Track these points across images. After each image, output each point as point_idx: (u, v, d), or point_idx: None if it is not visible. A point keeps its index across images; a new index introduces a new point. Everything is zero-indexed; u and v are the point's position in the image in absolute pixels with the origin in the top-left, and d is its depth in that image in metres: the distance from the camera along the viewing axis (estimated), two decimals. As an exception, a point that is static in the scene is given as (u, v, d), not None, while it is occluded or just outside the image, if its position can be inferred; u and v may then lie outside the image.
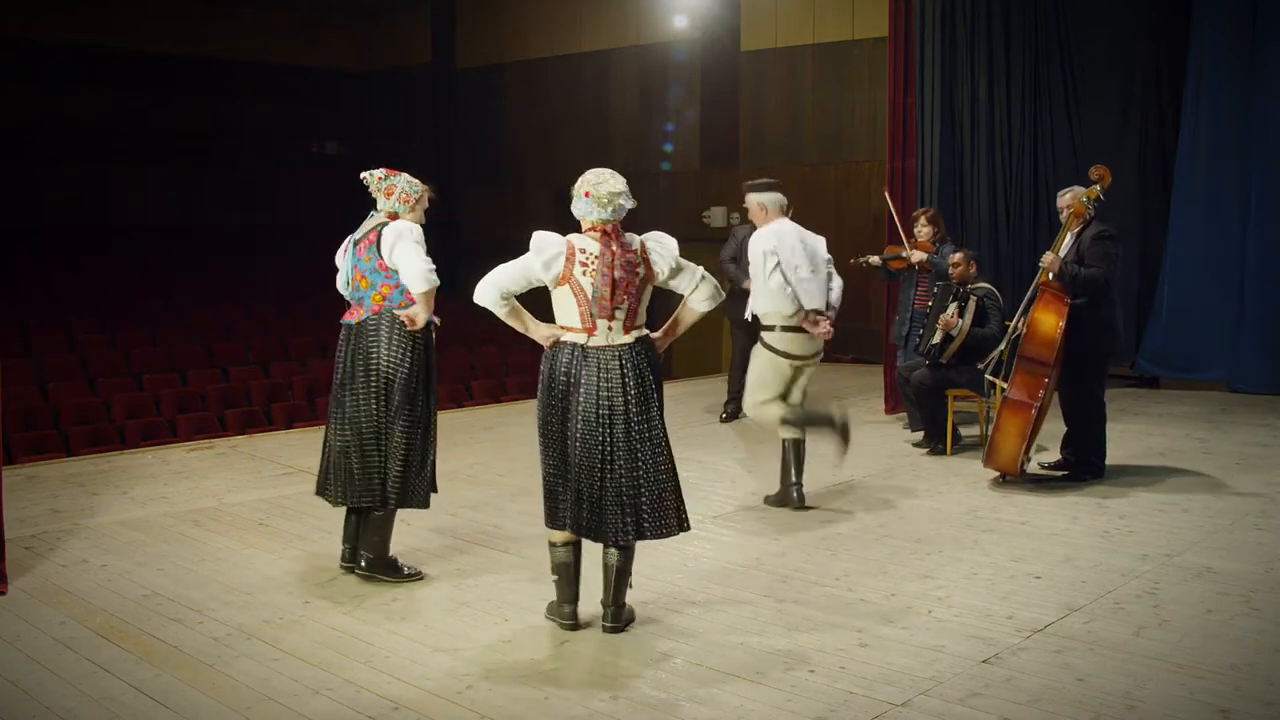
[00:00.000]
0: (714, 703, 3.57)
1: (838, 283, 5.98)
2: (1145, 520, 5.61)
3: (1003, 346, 6.59)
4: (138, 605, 4.49)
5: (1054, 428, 6.60)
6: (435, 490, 4.88)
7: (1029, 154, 9.98)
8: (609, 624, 4.20)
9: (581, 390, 4.05)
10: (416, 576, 4.81)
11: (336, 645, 4.08)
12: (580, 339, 4.08)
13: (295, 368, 11.95)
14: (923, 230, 7.85)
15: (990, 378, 6.64)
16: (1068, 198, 6.38)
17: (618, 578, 4.18)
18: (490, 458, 7.36)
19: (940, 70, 8.92)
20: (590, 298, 4.04)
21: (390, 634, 4.19)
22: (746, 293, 6.17)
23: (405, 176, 4.79)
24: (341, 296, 4.90)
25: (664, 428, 4.17)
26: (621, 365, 4.06)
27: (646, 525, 4.09)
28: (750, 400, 5.98)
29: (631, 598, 4.46)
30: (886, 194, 8.50)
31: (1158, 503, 5.93)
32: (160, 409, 10.50)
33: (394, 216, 4.73)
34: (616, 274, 4.03)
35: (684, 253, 4.28)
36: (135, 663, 3.91)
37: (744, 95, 13.83)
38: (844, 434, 5.87)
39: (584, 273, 4.04)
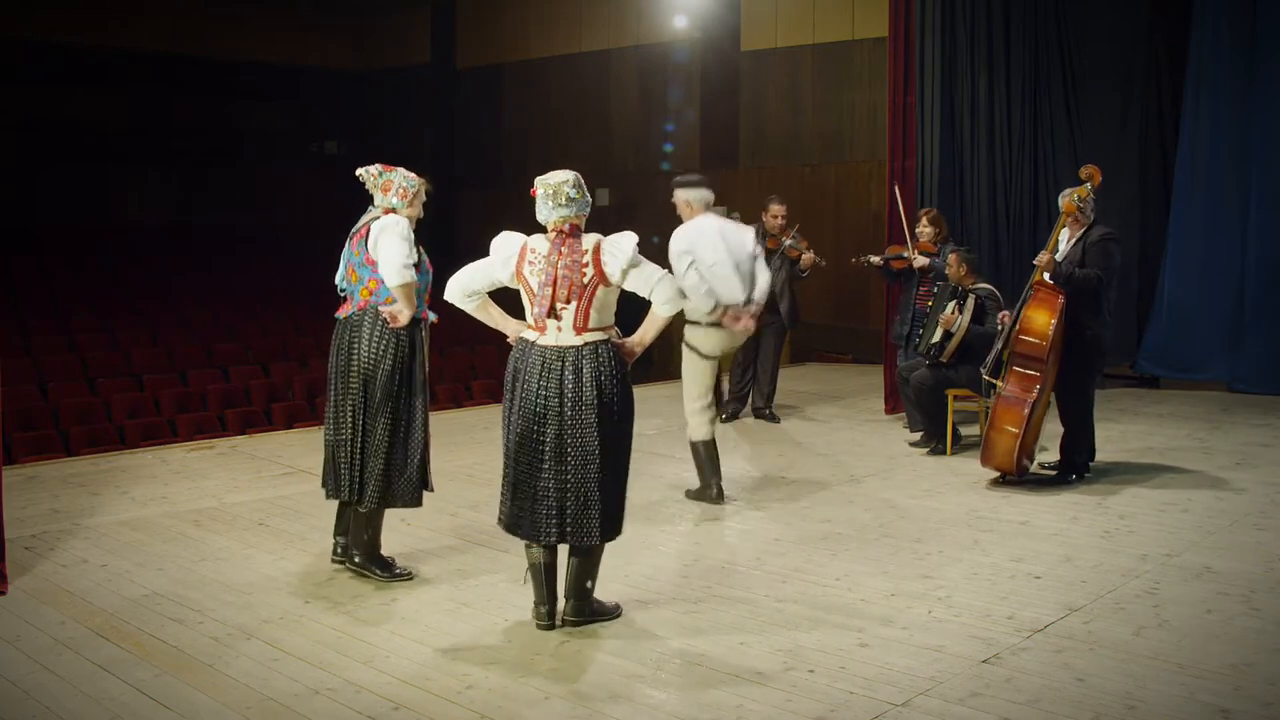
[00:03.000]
0: (714, 703, 3.57)
1: (764, 277, 6.02)
2: (1145, 520, 5.61)
3: (1000, 346, 6.59)
4: (138, 605, 4.49)
5: (1055, 427, 6.60)
6: (430, 489, 4.85)
7: (1029, 154, 9.98)
8: (567, 616, 4.22)
9: (522, 386, 4.11)
10: (406, 576, 4.81)
11: (336, 645, 4.08)
12: (533, 337, 4.15)
13: (295, 368, 11.95)
14: (924, 230, 7.89)
15: (988, 378, 6.64)
16: (1063, 201, 6.38)
17: (576, 570, 4.21)
18: (490, 458, 7.35)
19: (940, 70, 8.92)
20: (536, 296, 4.09)
21: (390, 634, 4.19)
22: None
23: (402, 171, 4.78)
24: (337, 292, 4.91)
25: (611, 434, 4.10)
26: (563, 366, 4.08)
27: (569, 529, 4.11)
28: (691, 406, 6.06)
29: (631, 597, 4.47)
30: (897, 189, 8.48)
31: (1158, 503, 5.93)
32: (160, 409, 10.50)
33: (390, 211, 4.72)
34: (560, 272, 4.05)
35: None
36: (135, 663, 3.91)
37: (744, 95, 13.83)
38: (702, 490, 6.14)
39: (531, 272, 4.11)
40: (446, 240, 16.65)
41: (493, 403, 10.89)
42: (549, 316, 4.08)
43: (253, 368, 11.81)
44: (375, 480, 4.65)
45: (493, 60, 17.00)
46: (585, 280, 4.07)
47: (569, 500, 4.08)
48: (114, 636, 4.15)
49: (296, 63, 17.81)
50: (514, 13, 16.61)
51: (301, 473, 6.83)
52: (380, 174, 4.76)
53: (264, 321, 13.57)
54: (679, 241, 5.82)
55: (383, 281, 4.62)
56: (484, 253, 4.27)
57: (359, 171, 4.81)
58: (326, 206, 16.19)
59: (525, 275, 4.12)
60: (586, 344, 4.10)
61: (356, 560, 4.80)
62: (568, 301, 4.06)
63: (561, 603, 4.27)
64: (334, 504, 4.95)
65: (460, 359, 12.93)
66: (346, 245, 4.79)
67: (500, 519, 4.24)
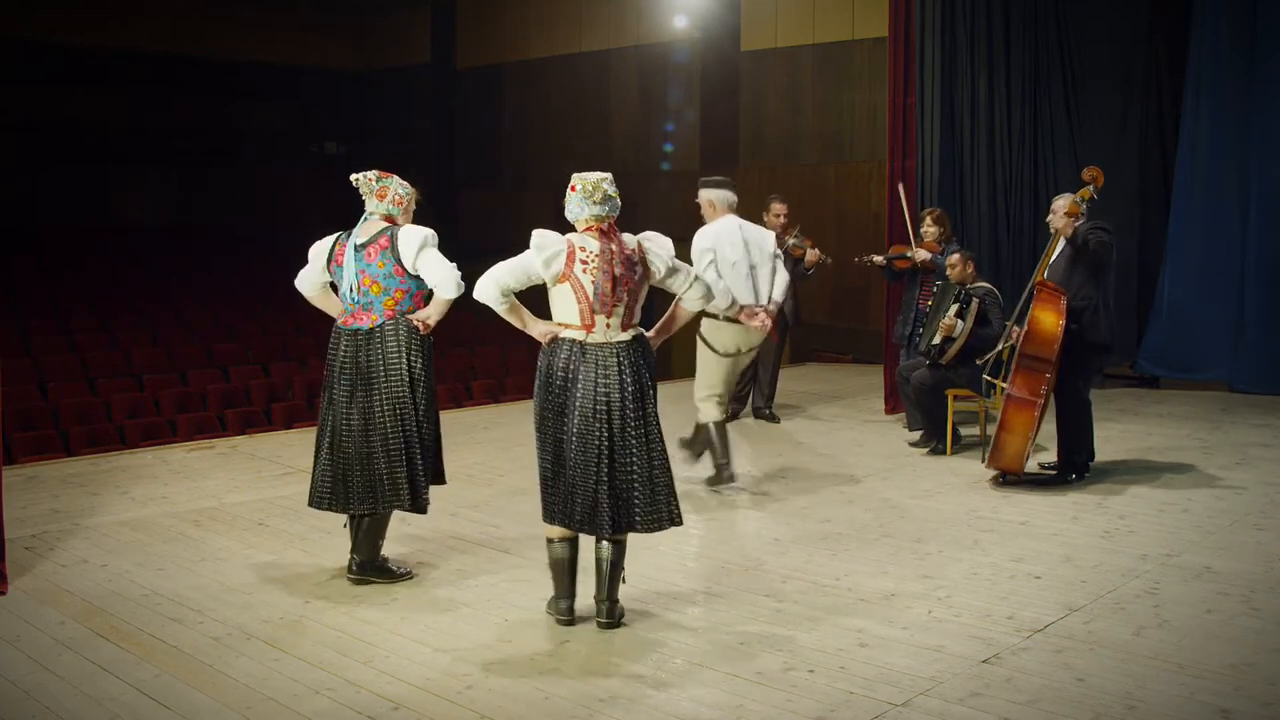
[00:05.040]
0: (713, 702, 3.57)
1: (782, 277, 6.24)
2: (1145, 520, 5.61)
3: (1001, 348, 6.59)
4: (138, 605, 4.49)
5: (1053, 428, 6.59)
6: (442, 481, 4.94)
7: (1029, 154, 9.98)
8: (603, 619, 4.22)
9: (580, 386, 4.10)
10: (406, 576, 4.81)
11: (336, 645, 4.08)
12: (579, 335, 4.14)
13: (295, 368, 11.95)
14: (929, 230, 7.89)
15: (989, 378, 6.64)
16: (1060, 203, 6.32)
17: (611, 571, 4.21)
18: (490, 458, 7.36)
19: (940, 70, 8.92)
20: (591, 295, 4.09)
21: (390, 634, 4.19)
22: None
23: (397, 179, 4.80)
24: (346, 303, 4.85)
25: (658, 424, 4.23)
26: (619, 362, 4.11)
27: (638, 518, 4.14)
28: (699, 394, 6.28)
29: (631, 597, 4.47)
30: (901, 188, 8.46)
31: (1158, 503, 5.93)
32: (160, 409, 10.50)
33: (389, 219, 4.73)
34: (617, 271, 4.09)
35: (683, 252, 4.31)
36: (135, 663, 3.91)
37: (744, 95, 13.83)
38: (718, 474, 6.23)
39: (584, 270, 4.10)
40: (446, 240, 16.65)
41: (492, 403, 10.90)
42: (604, 314, 4.10)
43: (253, 368, 11.81)
44: (420, 483, 4.67)
45: (493, 60, 17.01)
46: (637, 277, 4.15)
47: (637, 490, 4.11)
48: (114, 636, 4.15)
49: (296, 63, 17.81)
50: (514, 13, 16.61)
51: (302, 473, 6.81)
52: (377, 179, 4.76)
53: (264, 321, 13.57)
54: (703, 239, 6.04)
55: (407, 293, 4.67)
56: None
57: (354, 176, 4.80)
58: (327, 207, 16.17)
59: (577, 274, 4.11)
60: (634, 338, 4.18)
61: (355, 568, 4.77)
62: (623, 300, 4.12)
63: (579, 601, 4.28)
64: (351, 515, 4.87)
65: (460, 359, 12.93)
66: (356, 257, 4.67)
67: (552, 516, 4.20)
